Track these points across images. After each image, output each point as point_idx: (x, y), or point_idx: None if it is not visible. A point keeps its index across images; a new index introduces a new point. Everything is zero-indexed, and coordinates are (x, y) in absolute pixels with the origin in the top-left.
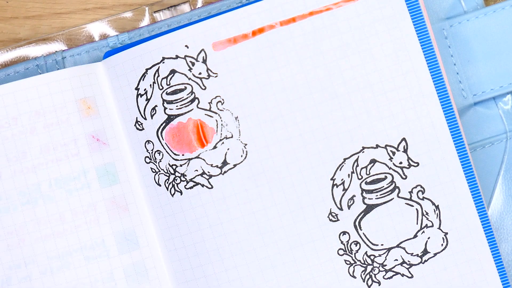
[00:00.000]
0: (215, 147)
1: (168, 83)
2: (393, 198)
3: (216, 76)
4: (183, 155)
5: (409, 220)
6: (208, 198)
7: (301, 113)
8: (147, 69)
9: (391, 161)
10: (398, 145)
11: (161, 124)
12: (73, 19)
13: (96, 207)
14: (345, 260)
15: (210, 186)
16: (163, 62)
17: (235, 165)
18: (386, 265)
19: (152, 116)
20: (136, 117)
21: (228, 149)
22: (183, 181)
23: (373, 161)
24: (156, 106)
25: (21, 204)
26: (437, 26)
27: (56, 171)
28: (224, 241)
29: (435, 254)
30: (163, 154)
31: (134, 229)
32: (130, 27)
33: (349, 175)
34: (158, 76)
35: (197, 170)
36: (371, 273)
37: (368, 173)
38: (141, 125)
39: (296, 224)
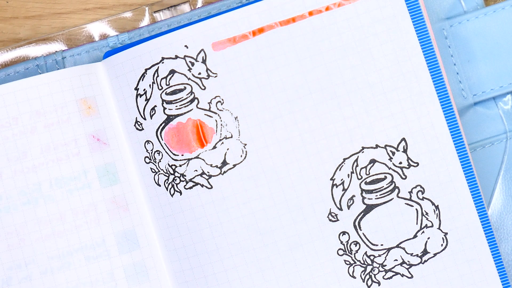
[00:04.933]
0: (214, 147)
1: (167, 83)
2: (393, 198)
3: (215, 76)
4: (182, 155)
5: (408, 220)
6: (207, 198)
7: (301, 113)
8: (146, 69)
9: (391, 161)
10: (398, 145)
11: (161, 124)
12: (73, 19)
13: (97, 207)
14: (345, 260)
15: (209, 186)
16: (163, 62)
17: (234, 165)
18: (386, 265)
19: (151, 116)
20: (136, 117)
21: (227, 149)
22: (183, 181)
23: (373, 161)
24: (155, 106)
25: (22, 204)
26: (437, 26)
27: (57, 171)
28: (224, 241)
29: (435, 254)
30: (162, 154)
31: (134, 229)
32: (130, 27)
33: (348, 175)
34: (158, 76)
35: (196, 170)
36: (370, 273)
37: (367, 173)
38: (140, 125)
39: (296, 224)
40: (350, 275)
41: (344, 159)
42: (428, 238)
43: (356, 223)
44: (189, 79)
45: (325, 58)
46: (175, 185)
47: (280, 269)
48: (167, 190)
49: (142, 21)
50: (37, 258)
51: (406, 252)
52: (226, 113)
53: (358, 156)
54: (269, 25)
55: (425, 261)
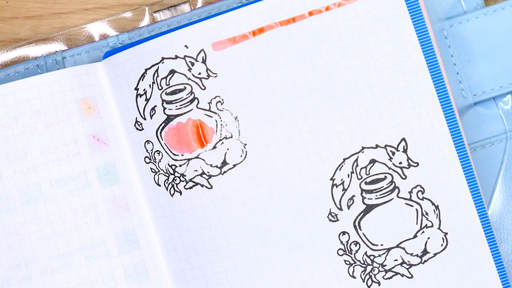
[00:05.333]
0: (214, 147)
1: (167, 83)
2: (393, 198)
3: (215, 76)
4: (182, 155)
5: (408, 220)
6: (207, 198)
7: (301, 113)
8: (146, 69)
9: (391, 161)
10: (398, 145)
11: (161, 124)
12: (73, 19)
13: (97, 207)
14: (345, 260)
15: (209, 186)
16: (163, 62)
17: (234, 165)
18: (386, 265)
19: (151, 116)
20: (136, 117)
21: (227, 149)
22: (183, 181)
23: (373, 161)
24: (155, 106)
25: (22, 204)
26: (437, 26)
27: (57, 171)
28: (224, 241)
29: (435, 254)
30: (162, 154)
31: (134, 229)
32: (130, 27)
33: (348, 175)
34: (158, 76)
35: (196, 170)
36: (370, 273)
37: (367, 173)
38: (140, 125)
39: (296, 224)
40: (350, 275)
41: (344, 159)
42: (428, 238)
43: (356, 223)
44: (189, 79)
45: (325, 58)
46: (175, 185)
47: (280, 269)
48: (167, 190)
49: (142, 21)
50: (37, 258)
51: (406, 252)
52: (226, 113)
53: (358, 156)
54: (269, 25)
55: (425, 261)
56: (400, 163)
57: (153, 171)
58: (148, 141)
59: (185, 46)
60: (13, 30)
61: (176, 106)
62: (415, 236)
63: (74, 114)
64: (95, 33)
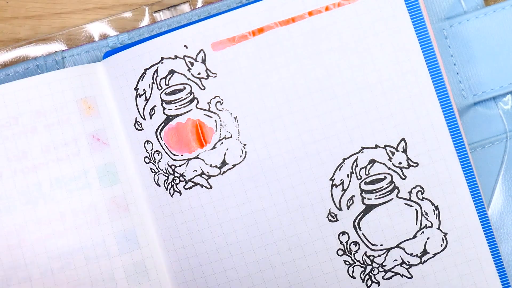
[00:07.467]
0: (214, 147)
1: (167, 83)
2: (393, 199)
3: (215, 76)
4: (182, 155)
5: (408, 220)
6: (207, 198)
7: (300, 113)
8: (146, 69)
9: (391, 161)
10: (398, 145)
11: (160, 124)
12: (73, 19)
13: (97, 207)
14: (345, 261)
15: (209, 187)
16: (162, 62)
17: (234, 165)
18: (385, 265)
19: (151, 116)
20: (136, 117)
21: (227, 149)
22: (182, 181)
23: (373, 161)
24: (155, 106)
25: (22, 204)
26: (437, 26)
27: (57, 171)
28: (223, 241)
29: (435, 255)
30: (162, 155)
31: (134, 229)
32: (130, 27)
33: (348, 175)
34: (157, 76)
35: (196, 171)
36: (370, 274)
37: (367, 173)
38: (140, 125)
39: (295, 225)
40: (349, 275)
41: (344, 159)
42: (428, 238)
43: (356, 223)
44: (188, 79)
45: (325, 58)
46: (174, 185)
47: (279, 270)
48: (166, 190)
49: (142, 21)
50: (37, 258)
51: (405, 252)
52: (226, 113)
53: (357, 156)
54: (269, 25)
55: (425, 261)
56: (400, 163)
57: (153, 171)
58: (147, 141)
59: (185, 46)
60: (13, 30)
61: (176, 106)
62: (414, 236)
63: (74, 114)
64: (95, 33)
